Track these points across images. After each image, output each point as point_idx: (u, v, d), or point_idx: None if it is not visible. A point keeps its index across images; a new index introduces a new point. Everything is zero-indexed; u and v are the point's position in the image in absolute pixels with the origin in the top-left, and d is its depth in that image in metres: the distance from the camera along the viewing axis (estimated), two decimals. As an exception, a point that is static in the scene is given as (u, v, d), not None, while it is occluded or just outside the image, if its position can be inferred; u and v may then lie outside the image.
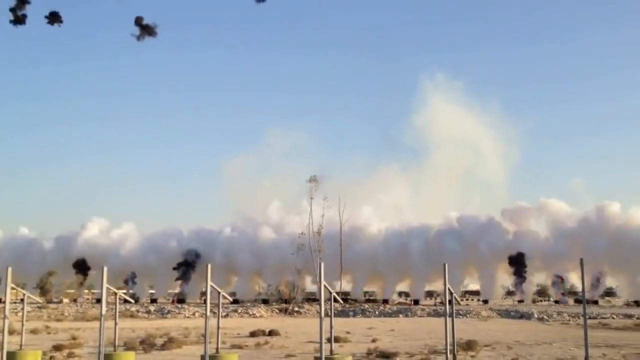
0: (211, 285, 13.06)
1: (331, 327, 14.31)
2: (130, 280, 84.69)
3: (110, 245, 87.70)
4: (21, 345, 17.30)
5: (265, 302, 67.01)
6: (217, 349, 14.91)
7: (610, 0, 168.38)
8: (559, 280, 75.98)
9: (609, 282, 79.35)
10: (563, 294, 76.94)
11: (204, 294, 12.82)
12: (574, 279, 74.43)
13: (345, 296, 71.71)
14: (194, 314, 47.66)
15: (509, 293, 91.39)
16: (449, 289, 14.15)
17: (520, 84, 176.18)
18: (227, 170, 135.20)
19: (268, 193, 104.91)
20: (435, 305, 64.52)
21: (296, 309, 54.11)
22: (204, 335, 12.67)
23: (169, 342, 21.80)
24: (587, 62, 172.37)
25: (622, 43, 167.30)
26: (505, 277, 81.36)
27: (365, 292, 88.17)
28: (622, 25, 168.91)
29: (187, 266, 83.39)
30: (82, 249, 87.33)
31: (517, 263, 76.79)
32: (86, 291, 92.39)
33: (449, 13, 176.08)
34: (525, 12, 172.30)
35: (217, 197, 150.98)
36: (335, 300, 15.42)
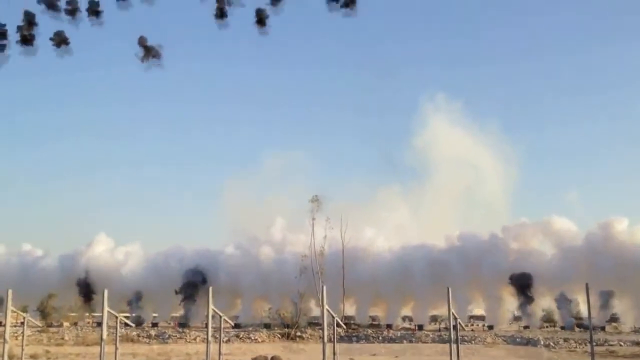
0: (213, 310, 12.89)
1: (334, 353, 14.07)
2: (134, 302, 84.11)
3: (115, 265, 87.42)
4: (20, 370, 17.09)
5: (267, 326, 66.33)
6: (218, 375, 14.68)
7: (609, 13, 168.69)
8: (567, 302, 74.90)
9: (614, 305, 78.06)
10: (570, 317, 75.81)
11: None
12: (580, 303, 73.19)
13: (348, 320, 71.03)
14: (195, 339, 47.19)
15: (517, 318, 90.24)
16: (453, 314, 13.95)
17: (518, 100, 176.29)
18: (229, 190, 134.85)
19: (270, 213, 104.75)
20: (439, 330, 63.79)
21: (299, 334, 53.54)
22: (205, 361, 12.46)
23: (170, 368, 21.52)
24: (587, 76, 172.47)
25: (624, 56, 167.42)
26: (511, 300, 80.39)
27: (369, 317, 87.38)
28: (623, 38, 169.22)
29: (191, 288, 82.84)
30: (86, 268, 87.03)
31: (521, 283, 75.90)
32: (87, 314, 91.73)
33: (447, 29, 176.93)
34: (523, 26, 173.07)
35: (220, 217, 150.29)
36: (338, 325, 15.20)
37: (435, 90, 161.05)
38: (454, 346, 13.39)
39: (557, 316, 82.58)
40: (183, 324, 78.67)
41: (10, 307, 14.03)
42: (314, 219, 62.36)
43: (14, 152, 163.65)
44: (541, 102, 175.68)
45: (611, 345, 41.75)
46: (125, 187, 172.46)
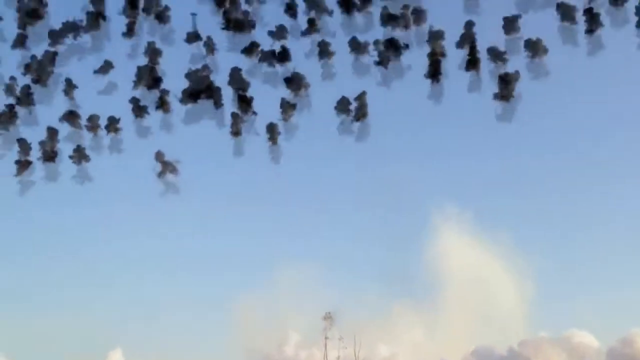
0: None
1: None
2: None
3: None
4: None
5: None
6: None
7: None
8: None
9: None
10: None
11: None
12: None
13: None
14: None
15: None
16: None
17: (529, 210, 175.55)
18: (240, 304, 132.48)
19: (283, 328, 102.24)
20: None
21: None
22: None
23: None
24: (595, 182, 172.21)
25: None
26: None
27: None
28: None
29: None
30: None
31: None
32: None
33: (454, 144, 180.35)
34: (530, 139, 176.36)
35: (231, 332, 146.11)
36: None
37: (445, 201, 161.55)
38: None
39: None
40: None
41: None
42: (326, 337, 60.67)
43: (30, 263, 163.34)
44: (552, 212, 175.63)
45: None
46: (138, 300, 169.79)
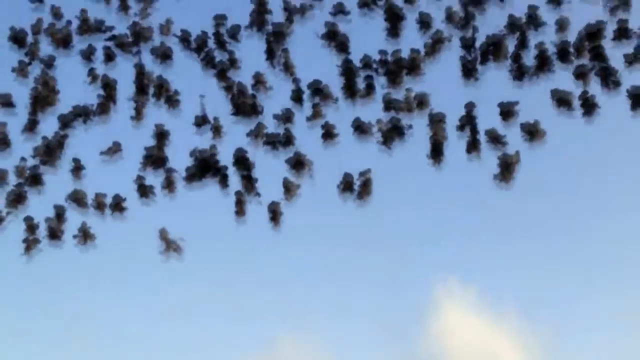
0: None
1: None
2: None
3: None
4: None
5: None
6: None
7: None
8: None
9: None
10: None
11: None
12: None
13: None
14: None
15: None
16: None
17: (535, 282, 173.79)
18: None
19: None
20: None
21: None
22: None
23: None
24: (602, 252, 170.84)
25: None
26: None
27: None
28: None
29: None
30: None
31: None
32: None
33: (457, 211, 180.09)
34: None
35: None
36: None
37: (448, 273, 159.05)
38: None
39: None
40: None
41: None
42: None
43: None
44: (559, 282, 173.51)
45: None
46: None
